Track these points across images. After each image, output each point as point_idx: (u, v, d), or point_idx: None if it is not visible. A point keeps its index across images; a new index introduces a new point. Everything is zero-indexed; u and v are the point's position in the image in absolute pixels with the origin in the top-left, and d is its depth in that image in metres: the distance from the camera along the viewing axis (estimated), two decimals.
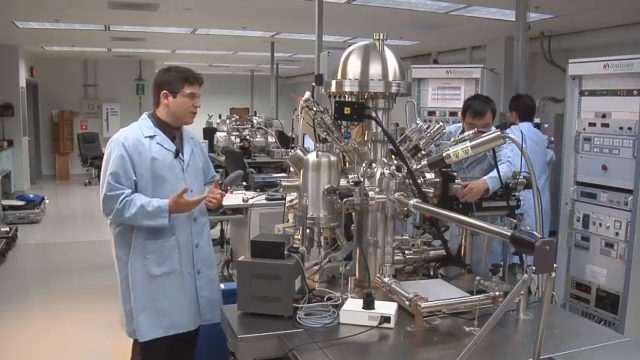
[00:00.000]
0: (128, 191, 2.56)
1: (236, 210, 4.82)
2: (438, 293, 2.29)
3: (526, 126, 4.32)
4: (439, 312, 2.20)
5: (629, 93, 3.80)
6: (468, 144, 2.39)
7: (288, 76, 18.60)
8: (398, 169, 2.46)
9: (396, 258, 2.58)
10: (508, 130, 2.34)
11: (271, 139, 7.48)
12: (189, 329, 2.73)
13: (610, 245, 3.91)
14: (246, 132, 7.65)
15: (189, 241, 2.72)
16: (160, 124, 2.71)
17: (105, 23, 8.81)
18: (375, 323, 2.10)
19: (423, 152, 2.59)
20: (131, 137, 2.62)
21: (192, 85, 2.69)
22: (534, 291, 2.44)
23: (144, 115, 2.78)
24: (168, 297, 2.66)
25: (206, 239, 2.85)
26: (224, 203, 2.86)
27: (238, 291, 2.26)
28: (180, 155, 2.72)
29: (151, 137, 2.65)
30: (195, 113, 2.75)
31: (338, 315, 2.15)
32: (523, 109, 4.63)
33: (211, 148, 7.90)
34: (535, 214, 2.08)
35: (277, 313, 2.19)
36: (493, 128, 2.81)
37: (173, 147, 2.70)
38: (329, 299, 2.30)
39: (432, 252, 2.73)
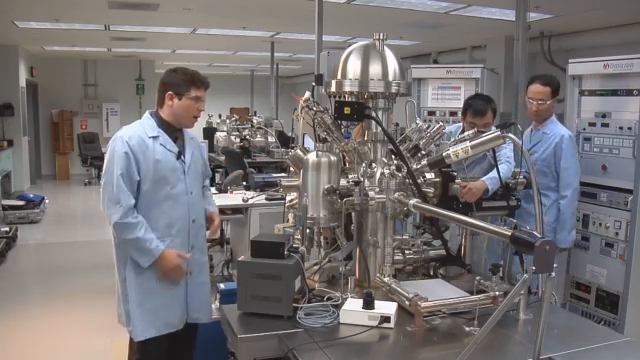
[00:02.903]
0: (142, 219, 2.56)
1: (236, 210, 4.81)
2: (438, 293, 2.29)
3: None
4: (439, 312, 2.20)
5: (629, 93, 3.80)
6: (468, 144, 2.39)
7: (288, 76, 18.60)
8: (398, 169, 2.46)
9: (396, 258, 2.58)
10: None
11: (271, 139, 7.49)
12: (178, 328, 2.72)
13: (610, 245, 3.90)
14: (246, 132, 7.66)
15: (185, 242, 2.72)
16: (163, 124, 2.69)
17: (105, 23, 8.81)
18: (375, 323, 2.10)
19: (423, 152, 2.59)
20: (135, 136, 2.60)
21: (198, 89, 2.67)
22: (534, 291, 2.44)
23: (147, 114, 2.75)
24: (160, 297, 2.65)
25: (201, 241, 2.84)
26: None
27: (238, 291, 2.26)
28: (182, 157, 2.71)
29: (154, 138, 2.63)
30: (197, 117, 2.73)
31: (338, 315, 2.15)
32: None
33: (211, 148, 7.90)
34: (535, 214, 2.08)
35: (277, 313, 2.19)
36: (493, 128, 2.81)
37: (175, 149, 2.69)
38: (329, 299, 2.30)
39: (432, 252, 2.73)
